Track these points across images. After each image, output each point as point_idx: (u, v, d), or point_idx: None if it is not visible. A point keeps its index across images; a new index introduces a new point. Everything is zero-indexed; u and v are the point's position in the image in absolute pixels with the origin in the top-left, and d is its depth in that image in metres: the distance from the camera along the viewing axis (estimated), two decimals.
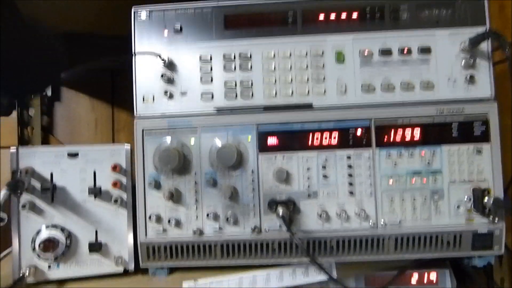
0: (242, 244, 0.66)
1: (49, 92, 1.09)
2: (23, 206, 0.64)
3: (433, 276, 0.76)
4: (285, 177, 0.65)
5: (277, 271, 0.67)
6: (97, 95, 1.13)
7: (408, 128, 0.66)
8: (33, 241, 0.65)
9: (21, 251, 0.65)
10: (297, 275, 0.68)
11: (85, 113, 1.13)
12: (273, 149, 0.66)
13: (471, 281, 0.78)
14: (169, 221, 0.66)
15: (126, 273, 0.68)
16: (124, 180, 0.68)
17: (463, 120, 0.66)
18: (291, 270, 0.68)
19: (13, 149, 0.66)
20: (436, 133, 0.66)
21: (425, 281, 0.76)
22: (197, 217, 0.66)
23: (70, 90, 1.13)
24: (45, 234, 0.64)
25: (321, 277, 0.68)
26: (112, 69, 1.11)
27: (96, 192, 0.66)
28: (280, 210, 0.63)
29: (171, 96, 0.67)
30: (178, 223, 0.66)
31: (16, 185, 0.57)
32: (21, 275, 0.64)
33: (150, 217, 0.66)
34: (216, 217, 0.66)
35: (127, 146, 0.69)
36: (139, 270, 0.68)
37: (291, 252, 0.67)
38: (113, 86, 1.13)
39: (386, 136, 0.66)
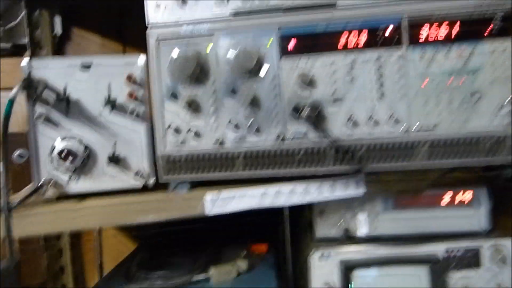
0: (266, 153, 0.63)
1: (59, 31, 1.07)
2: (39, 117, 0.62)
3: (468, 194, 0.72)
4: (309, 82, 0.61)
5: (303, 184, 0.64)
6: (107, 35, 1.10)
7: (444, 23, 0.60)
8: (51, 153, 0.63)
9: (39, 165, 0.64)
10: (324, 189, 0.65)
11: (96, 52, 1.10)
12: (295, 52, 0.62)
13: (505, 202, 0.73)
14: (188, 132, 0.63)
15: (145, 189, 0.66)
16: (140, 91, 0.65)
17: (506, 13, 0.59)
18: (318, 184, 0.64)
19: (25, 61, 0.63)
20: (475, 28, 0.59)
21: (456, 202, 0.72)
22: (217, 127, 0.63)
23: (80, 30, 1.10)
24: (62, 145, 0.63)
25: (350, 191, 0.65)
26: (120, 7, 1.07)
27: (112, 103, 0.64)
28: (306, 112, 0.59)
29: (184, 2, 0.63)
30: (197, 134, 0.63)
31: (30, 83, 0.54)
32: (39, 186, 0.62)
33: (168, 129, 0.63)
34: (237, 126, 0.63)
35: (142, 56, 0.65)
36: (159, 185, 0.66)
37: (318, 161, 0.63)
38: (121, 25, 1.09)
39: (419, 33, 0.60)
